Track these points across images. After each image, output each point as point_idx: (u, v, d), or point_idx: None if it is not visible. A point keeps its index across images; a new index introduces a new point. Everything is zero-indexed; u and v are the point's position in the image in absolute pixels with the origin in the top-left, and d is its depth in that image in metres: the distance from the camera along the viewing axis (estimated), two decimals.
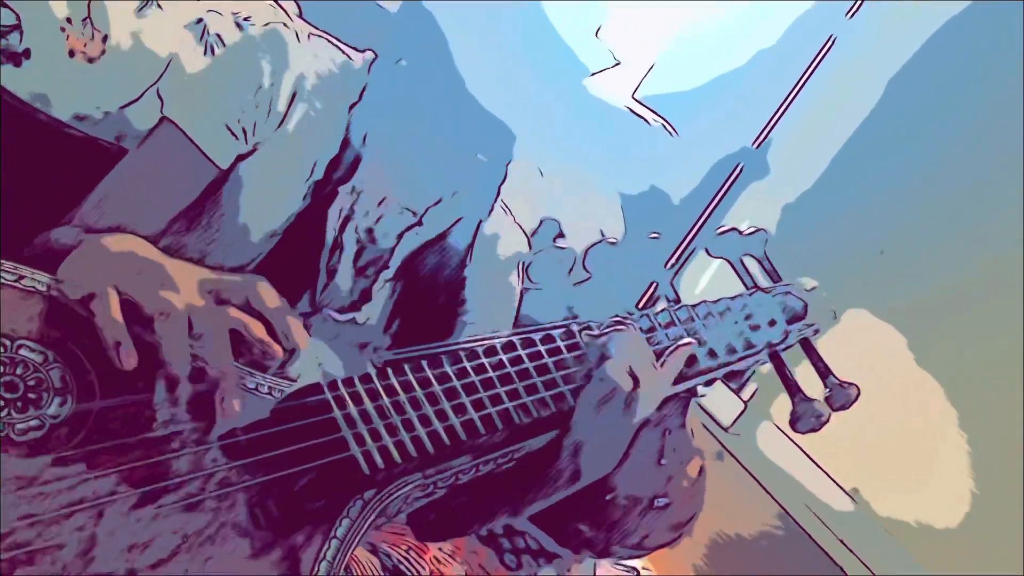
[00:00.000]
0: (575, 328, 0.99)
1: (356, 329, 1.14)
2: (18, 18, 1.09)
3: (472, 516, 1.01)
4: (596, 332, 1.00)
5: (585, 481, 0.98)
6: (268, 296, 0.86)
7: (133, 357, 0.78)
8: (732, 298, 1.06)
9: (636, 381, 0.96)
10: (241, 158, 1.09)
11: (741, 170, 1.79)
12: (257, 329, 0.84)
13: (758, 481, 1.93)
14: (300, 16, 1.16)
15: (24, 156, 1.12)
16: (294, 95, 1.10)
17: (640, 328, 1.01)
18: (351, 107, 1.13)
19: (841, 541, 1.90)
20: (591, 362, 0.97)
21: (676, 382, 1.00)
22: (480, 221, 1.21)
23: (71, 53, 1.13)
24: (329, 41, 1.15)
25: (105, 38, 1.14)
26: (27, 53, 1.11)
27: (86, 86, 1.14)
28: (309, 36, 1.13)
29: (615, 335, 0.98)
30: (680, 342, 1.02)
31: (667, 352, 1.01)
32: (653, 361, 0.99)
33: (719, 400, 1.94)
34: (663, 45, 1.50)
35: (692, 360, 1.01)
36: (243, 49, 1.10)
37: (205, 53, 1.12)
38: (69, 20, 1.12)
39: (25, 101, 1.13)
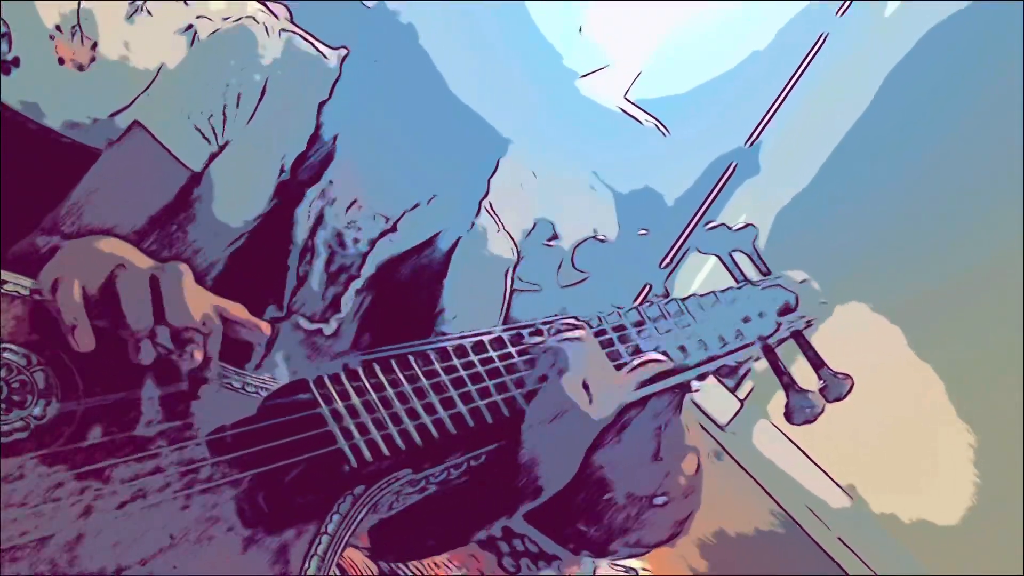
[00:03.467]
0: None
1: (324, 340, 1.12)
2: (7, 27, 1.09)
3: (444, 535, 0.99)
4: (544, 338, 0.96)
5: (547, 495, 0.94)
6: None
7: (89, 339, 0.77)
8: (722, 291, 1.06)
9: (590, 396, 0.93)
10: (213, 158, 1.07)
11: (734, 169, 1.80)
12: (237, 310, 0.85)
13: (755, 479, 1.93)
14: (291, 20, 1.15)
15: (15, 164, 1.12)
16: (263, 92, 1.08)
17: (630, 322, 1.00)
18: (321, 104, 1.12)
19: (839, 539, 1.90)
20: (540, 370, 0.94)
21: (659, 379, 0.99)
22: (459, 237, 1.19)
23: (61, 61, 1.13)
24: (302, 37, 1.13)
25: (94, 45, 1.14)
26: (16, 61, 1.11)
27: (76, 93, 1.14)
28: (280, 32, 1.12)
29: (567, 345, 0.94)
30: (651, 356, 0.98)
31: (634, 363, 0.97)
32: (609, 368, 0.96)
33: (716, 399, 1.94)
34: (656, 46, 1.51)
35: (683, 352, 1.01)
36: (210, 45, 1.08)
37: None
38: (59, 28, 1.12)
39: (15, 109, 1.13)
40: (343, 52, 1.12)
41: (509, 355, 0.95)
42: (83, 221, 1.02)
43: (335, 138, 1.10)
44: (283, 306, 1.10)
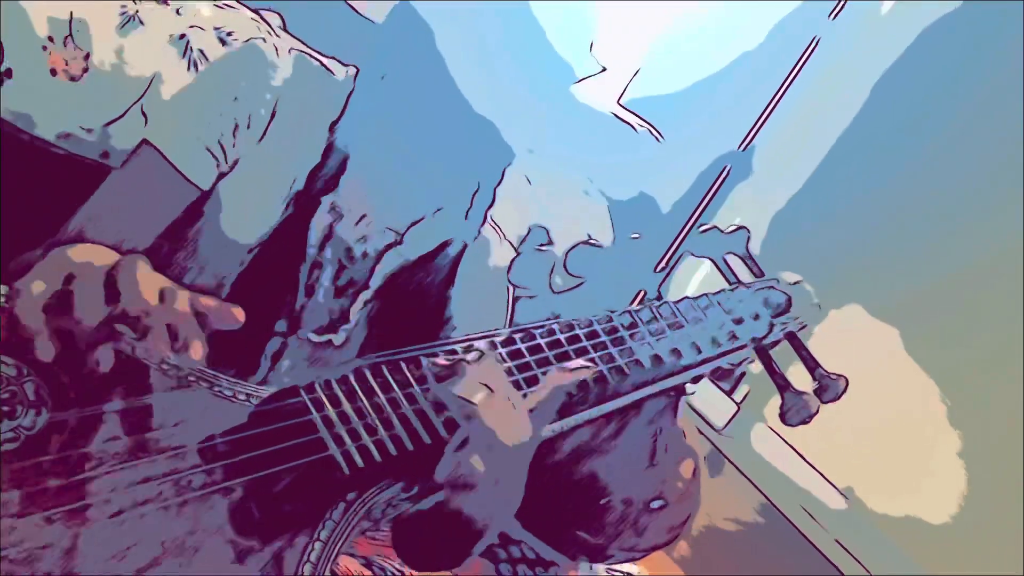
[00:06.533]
0: (555, 326, 0.99)
1: (333, 352, 1.13)
2: None
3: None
4: (440, 366, 0.90)
5: (494, 528, 0.89)
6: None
7: (49, 348, 0.77)
8: (715, 294, 1.06)
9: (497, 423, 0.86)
10: (222, 177, 1.08)
11: (728, 173, 1.80)
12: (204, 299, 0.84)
13: (752, 482, 1.93)
14: (284, 28, 1.16)
15: (7, 175, 1.12)
16: (274, 110, 1.09)
17: (622, 325, 1.01)
18: (333, 122, 1.13)
19: (837, 541, 1.90)
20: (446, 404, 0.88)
21: (659, 379, 0.99)
22: (465, 245, 1.20)
23: (53, 72, 1.13)
24: (311, 55, 1.15)
25: (87, 56, 1.14)
26: (9, 72, 1.11)
27: (69, 104, 1.14)
28: (290, 50, 1.13)
29: (456, 378, 0.88)
30: (551, 375, 0.93)
31: (540, 384, 0.93)
32: (510, 394, 0.89)
33: (712, 402, 1.94)
34: (647, 49, 1.50)
35: (676, 355, 1.01)
36: (222, 66, 1.10)
37: (188, 69, 1.12)
38: (51, 39, 1.12)
39: (7, 120, 1.13)
40: (352, 69, 1.14)
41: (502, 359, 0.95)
42: (89, 237, 1.03)
43: (346, 152, 1.12)
44: (290, 320, 1.11)
